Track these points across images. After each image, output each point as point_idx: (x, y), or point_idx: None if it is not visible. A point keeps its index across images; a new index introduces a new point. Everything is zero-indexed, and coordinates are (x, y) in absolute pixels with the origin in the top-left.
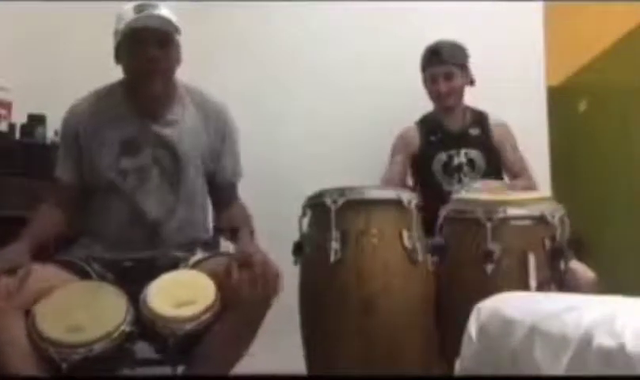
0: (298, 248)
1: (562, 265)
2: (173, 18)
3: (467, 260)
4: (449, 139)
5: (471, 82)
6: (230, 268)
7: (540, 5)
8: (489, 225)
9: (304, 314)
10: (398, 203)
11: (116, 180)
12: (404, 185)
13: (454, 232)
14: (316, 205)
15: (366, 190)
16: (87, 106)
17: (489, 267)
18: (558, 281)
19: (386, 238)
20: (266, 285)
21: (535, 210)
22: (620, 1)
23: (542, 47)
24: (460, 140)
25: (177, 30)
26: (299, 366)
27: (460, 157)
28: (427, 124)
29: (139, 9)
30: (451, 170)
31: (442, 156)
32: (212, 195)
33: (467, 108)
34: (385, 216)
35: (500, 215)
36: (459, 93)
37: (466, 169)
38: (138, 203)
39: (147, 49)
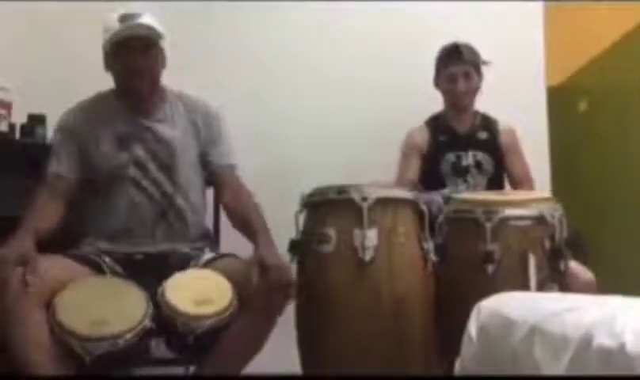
0: (294, 246)
1: (562, 265)
2: (156, 25)
3: (467, 261)
4: (458, 140)
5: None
6: (251, 273)
7: (540, 5)
8: (488, 225)
9: (311, 312)
10: (415, 205)
11: (115, 174)
12: (416, 188)
13: (453, 232)
14: (339, 201)
15: (391, 189)
16: (81, 109)
17: (490, 268)
18: (558, 281)
19: (411, 238)
20: (280, 294)
21: (534, 210)
22: (620, 2)
23: (542, 47)
24: (469, 142)
25: (159, 36)
26: (294, 366)
27: (468, 159)
28: (436, 124)
29: (123, 18)
30: (458, 171)
31: (450, 156)
32: (214, 184)
33: (477, 112)
34: (408, 216)
35: (500, 215)
36: (474, 94)
37: (473, 170)
38: (136, 197)
39: (132, 56)
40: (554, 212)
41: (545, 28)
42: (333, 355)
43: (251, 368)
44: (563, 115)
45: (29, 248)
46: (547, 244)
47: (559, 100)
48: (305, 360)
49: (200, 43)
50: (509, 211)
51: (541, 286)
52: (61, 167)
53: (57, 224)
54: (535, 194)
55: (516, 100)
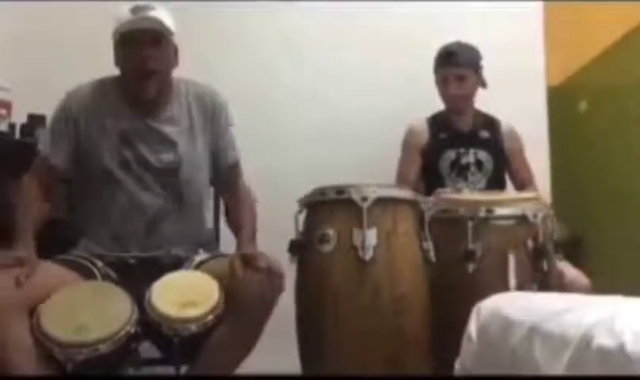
0: (294, 246)
1: (545, 265)
2: (169, 19)
3: (451, 260)
4: (459, 138)
5: (483, 85)
6: (234, 267)
7: (540, 5)
8: (470, 224)
9: (311, 312)
10: (415, 204)
11: (116, 170)
12: (417, 186)
13: (439, 231)
14: (339, 201)
15: (391, 189)
16: (87, 93)
17: (471, 267)
18: (540, 281)
19: (411, 238)
20: (272, 284)
21: (517, 210)
22: (620, 2)
23: (542, 47)
24: (470, 140)
25: (170, 31)
26: (294, 366)
27: (469, 157)
28: (437, 121)
29: (134, 11)
30: (458, 169)
31: (450, 153)
32: (215, 178)
33: (478, 112)
34: (408, 216)
35: (482, 215)
36: (469, 97)
37: (473, 168)
38: (138, 195)
39: (141, 49)
40: (537, 212)
41: (545, 28)
42: (333, 355)
43: (251, 368)
44: (563, 115)
45: (29, 252)
46: (530, 243)
47: (559, 100)
48: (305, 360)
49: (200, 42)
50: (492, 211)
51: (522, 286)
52: (58, 156)
53: (47, 213)
54: (520, 194)
55: (516, 100)
